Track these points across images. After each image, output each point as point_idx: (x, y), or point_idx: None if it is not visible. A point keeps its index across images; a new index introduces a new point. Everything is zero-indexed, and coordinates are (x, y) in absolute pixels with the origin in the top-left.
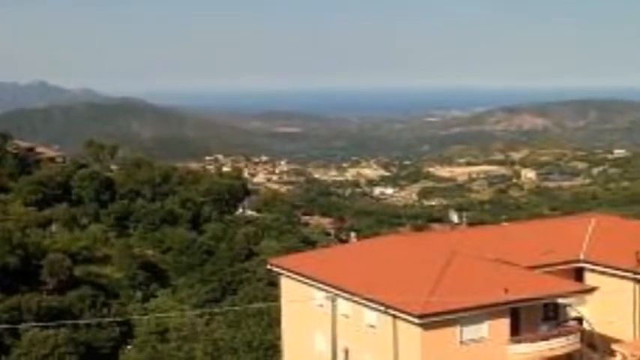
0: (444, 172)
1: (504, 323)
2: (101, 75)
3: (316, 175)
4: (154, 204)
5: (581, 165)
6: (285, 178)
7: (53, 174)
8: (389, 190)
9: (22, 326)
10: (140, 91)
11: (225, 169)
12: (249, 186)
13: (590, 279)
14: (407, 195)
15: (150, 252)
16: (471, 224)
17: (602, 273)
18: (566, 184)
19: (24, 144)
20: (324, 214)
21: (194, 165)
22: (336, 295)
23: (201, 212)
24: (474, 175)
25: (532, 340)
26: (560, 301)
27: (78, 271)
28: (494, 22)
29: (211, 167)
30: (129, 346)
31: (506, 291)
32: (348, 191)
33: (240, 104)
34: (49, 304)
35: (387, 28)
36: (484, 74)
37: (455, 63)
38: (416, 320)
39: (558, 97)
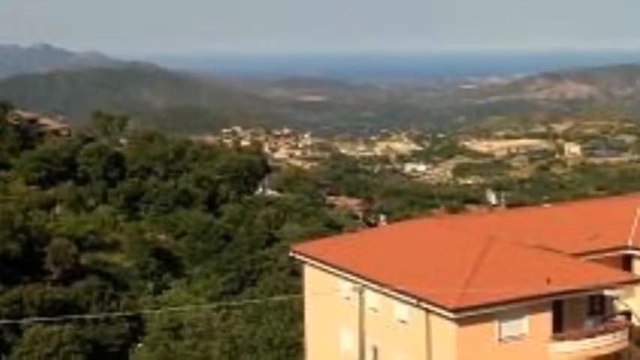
0: (480, 146)
1: (546, 318)
2: (109, 37)
3: (343, 150)
4: (167, 182)
5: (629, 138)
6: (309, 153)
7: (58, 149)
8: (421, 167)
9: (23, 321)
10: (151, 54)
11: (243, 143)
12: (270, 162)
13: (639, 268)
14: (441, 172)
15: (162, 237)
16: (510, 206)
17: None
18: (613, 159)
19: (26, 114)
20: (351, 195)
21: (210, 138)
22: (364, 286)
23: (217, 192)
24: (514, 150)
25: (576, 338)
26: (607, 293)
27: (84, 259)
28: None
29: (229, 141)
30: (139, 344)
31: (548, 281)
32: (377, 168)
33: (259, 69)
34: (53, 297)
35: None
36: (524, 36)
37: (492, 24)
38: (450, 315)
39: (605, 62)
